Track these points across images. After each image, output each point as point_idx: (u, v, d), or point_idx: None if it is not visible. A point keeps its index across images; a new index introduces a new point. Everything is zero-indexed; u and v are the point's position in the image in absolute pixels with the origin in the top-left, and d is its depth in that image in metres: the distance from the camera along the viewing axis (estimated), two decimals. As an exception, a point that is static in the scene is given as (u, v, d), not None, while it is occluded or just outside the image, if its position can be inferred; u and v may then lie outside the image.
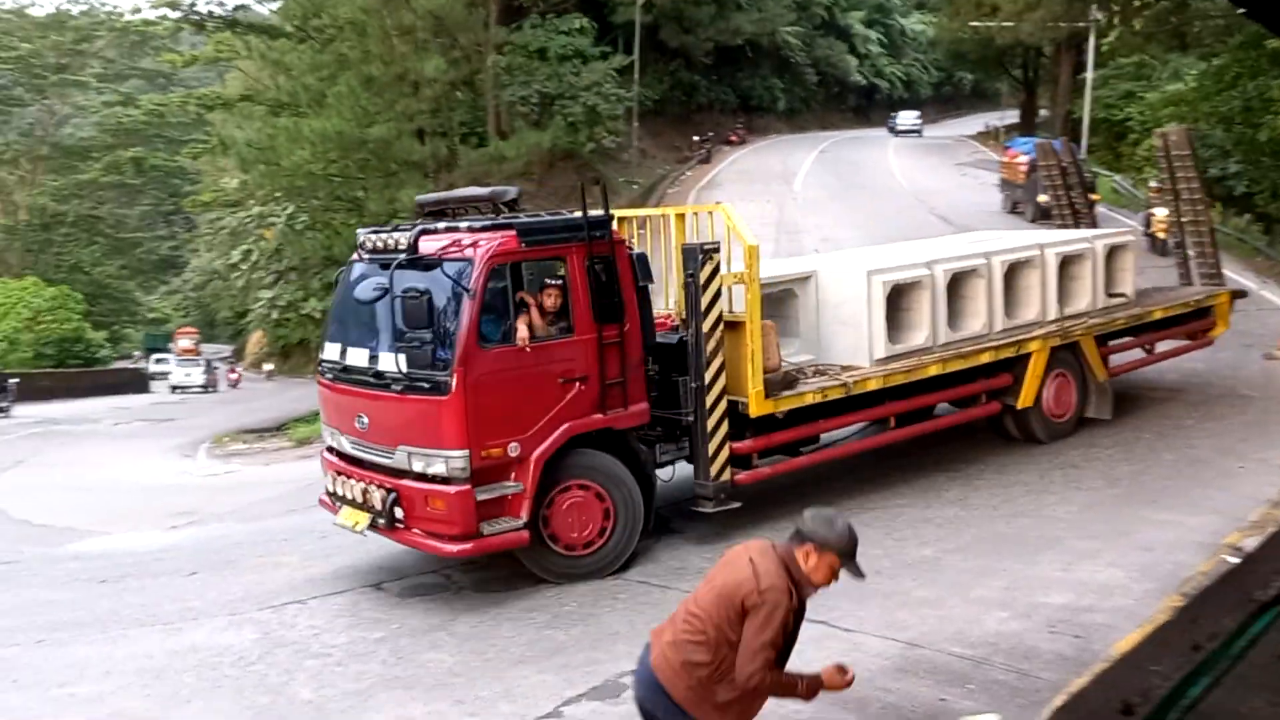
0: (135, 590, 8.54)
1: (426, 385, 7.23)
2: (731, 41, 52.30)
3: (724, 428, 8.07)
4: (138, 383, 45.45)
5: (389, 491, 7.39)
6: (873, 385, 8.91)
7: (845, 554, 3.76)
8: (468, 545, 7.19)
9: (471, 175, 33.45)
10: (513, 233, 7.55)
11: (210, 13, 39.11)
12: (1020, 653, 5.81)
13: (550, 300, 7.66)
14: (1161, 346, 11.79)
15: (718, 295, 7.97)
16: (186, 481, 17.67)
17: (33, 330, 40.24)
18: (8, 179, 52.63)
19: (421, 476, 7.28)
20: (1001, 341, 9.86)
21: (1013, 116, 55.52)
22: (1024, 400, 10.05)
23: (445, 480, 7.19)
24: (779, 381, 8.33)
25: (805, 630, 6.27)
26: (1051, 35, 40.26)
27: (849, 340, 9.16)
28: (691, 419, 8.10)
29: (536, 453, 7.36)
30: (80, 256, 55.83)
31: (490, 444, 7.23)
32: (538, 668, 6.15)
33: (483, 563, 8.26)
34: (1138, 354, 11.62)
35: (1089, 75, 35.00)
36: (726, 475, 8.11)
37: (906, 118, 59.10)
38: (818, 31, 64.59)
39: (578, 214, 7.79)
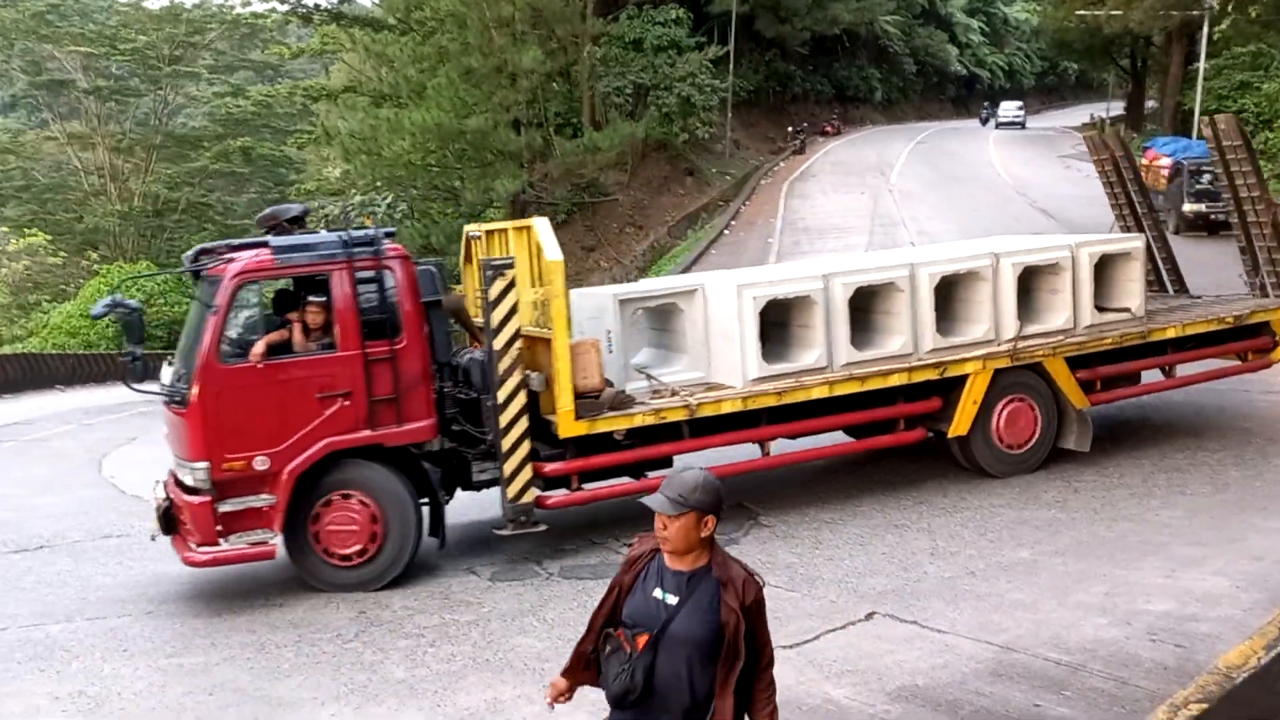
0: (237, 568, 8.82)
1: (178, 400, 7.57)
2: (828, 31, 51.69)
3: (524, 448, 7.90)
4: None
5: (166, 499, 7.80)
6: (728, 408, 8.40)
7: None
8: (205, 556, 7.46)
9: (565, 165, 33.79)
10: (267, 251, 7.75)
11: (317, 5, 40.06)
12: (1119, 660, 5.64)
13: (313, 317, 7.73)
14: (1192, 368, 10.34)
15: (511, 312, 7.83)
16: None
17: (146, 313, 41.88)
18: (123, 167, 54.69)
19: (182, 486, 7.66)
20: (918, 363, 8.92)
21: (1119, 108, 53.75)
22: (957, 428, 9.08)
23: (194, 491, 7.48)
24: (605, 402, 8.09)
25: (895, 629, 6.24)
26: (1162, 23, 38.74)
27: (728, 358, 8.67)
28: (491, 438, 8.03)
29: (290, 467, 7.46)
30: (190, 242, 57.75)
31: (232, 457, 7.41)
32: (625, 656, 6.18)
33: (573, 550, 8.35)
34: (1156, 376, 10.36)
35: (1201, 65, 33.66)
36: (528, 497, 7.96)
37: (1008, 108, 57.57)
38: (917, 20, 63.44)
39: (367, 231, 7.91)
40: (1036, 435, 9.43)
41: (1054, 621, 6.22)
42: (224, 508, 7.47)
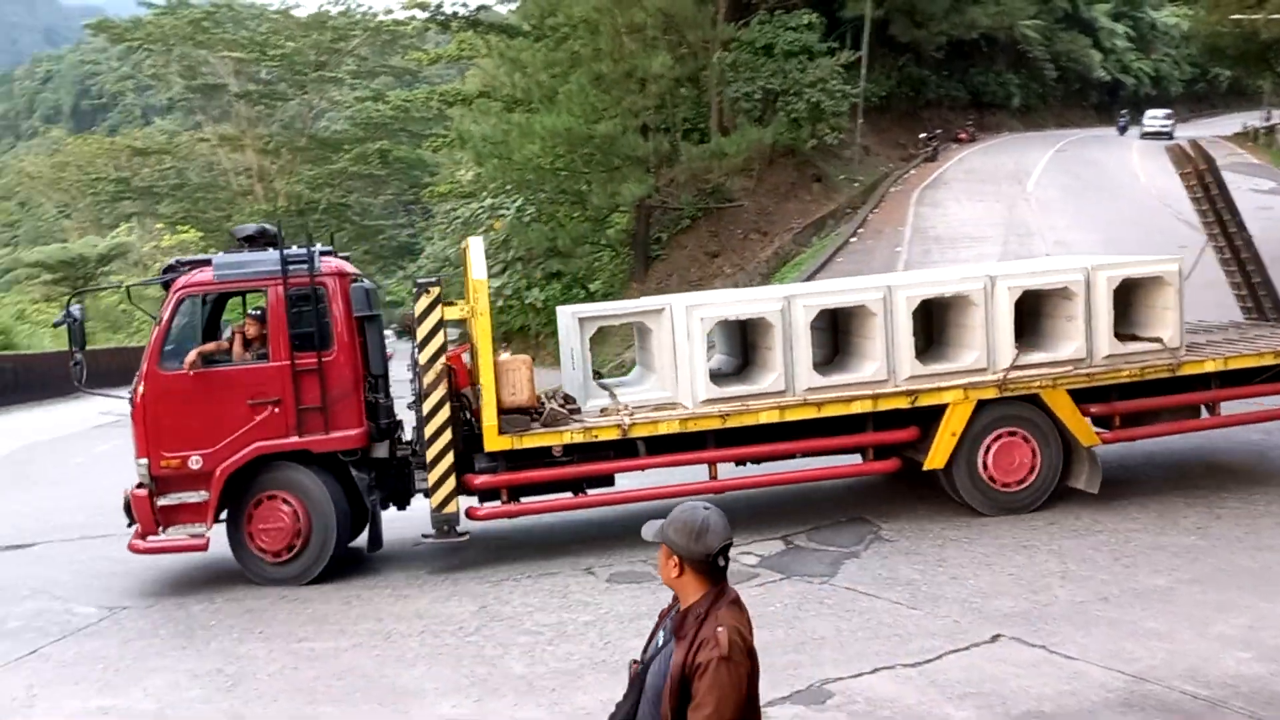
0: (366, 557, 9.14)
1: (130, 401, 8.35)
2: (965, 35, 50.42)
3: (447, 459, 8.15)
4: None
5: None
6: (665, 429, 8.34)
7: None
8: (144, 545, 8.23)
9: (691, 170, 33.84)
10: (208, 269, 8.46)
11: (455, 13, 41.19)
12: (1264, 698, 5.35)
13: (251, 330, 8.42)
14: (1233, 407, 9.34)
15: (437, 328, 8.12)
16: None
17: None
18: (269, 168, 57.22)
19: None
20: (886, 391, 8.58)
21: (1277, 117, 50.92)
22: (933, 460, 8.66)
23: (139, 485, 8.26)
24: (536, 418, 8.29)
25: (1021, 653, 6.06)
26: (1326, 27, 36.62)
27: (684, 379, 8.59)
28: (418, 449, 8.34)
29: (221, 467, 8.11)
30: (330, 242, 60.16)
31: (168, 455, 8.15)
32: (741, 665, 6.16)
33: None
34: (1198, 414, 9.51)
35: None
36: (451, 508, 8.18)
37: (1155, 116, 54.97)
38: (1059, 25, 61.30)
39: (304, 250, 8.46)
40: (1035, 473, 8.79)
41: (1191, 653, 5.94)
42: (162, 501, 8.22)
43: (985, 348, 8.66)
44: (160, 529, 8.24)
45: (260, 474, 8.30)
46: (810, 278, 27.10)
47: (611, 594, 7.67)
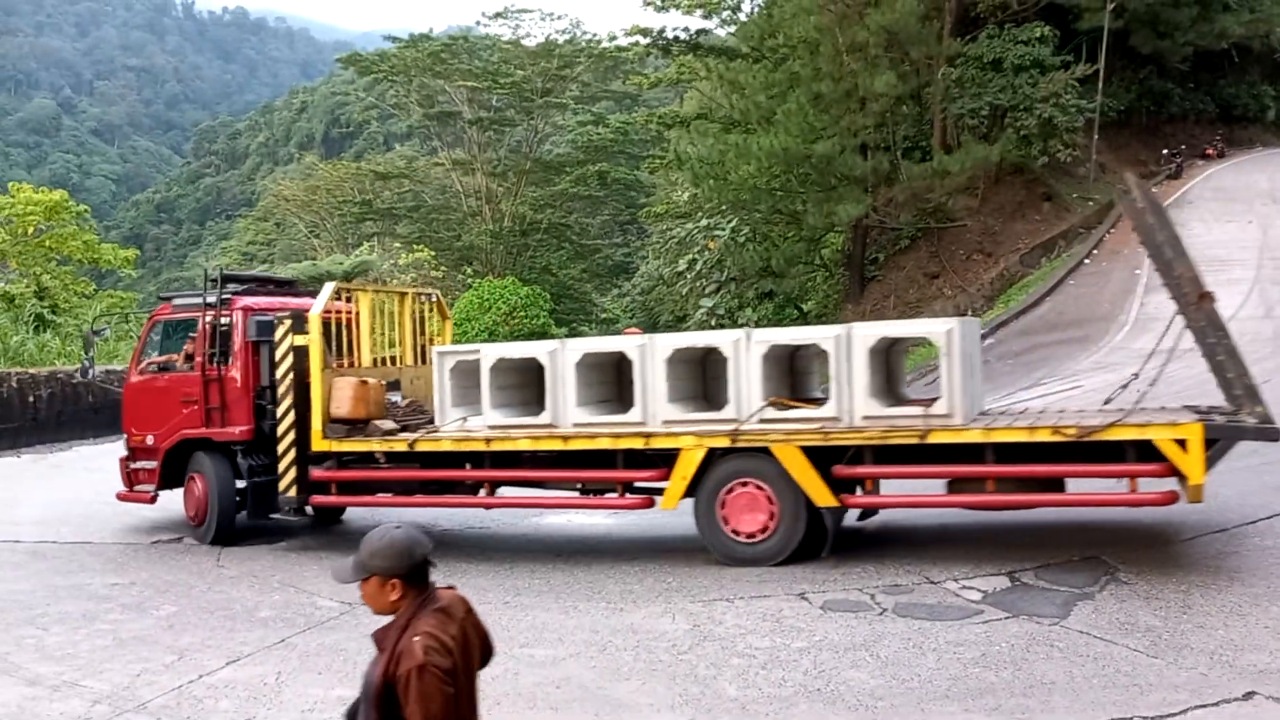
0: (584, 567, 9.38)
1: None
2: (1214, 45, 46.85)
3: (291, 454, 10.30)
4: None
5: None
6: (445, 446, 9.84)
7: None
8: (122, 494, 11.80)
9: (912, 189, 33.03)
10: (169, 302, 12.11)
11: (676, 38, 41.96)
12: None
13: (189, 348, 11.33)
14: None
15: (288, 352, 10.32)
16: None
17: (508, 324, 45.49)
18: (496, 190, 59.95)
19: None
20: (627, 432, 9.18)
21: None
22: (665, 502, 9.13)
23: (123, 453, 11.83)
24: (357, 429, 10.18)
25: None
26: None
27: (484, 408, 9.84)
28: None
29: (162, 445, 11.23)
30: (550, 260, 62.26)
31: (134, 433, 11.58)
32: (964, 705, 5.92)
33: (908, 587, 8.11)
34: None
35: None
36: (292, 492, 10.35)
37: None
38: (1325, 30, 56.08)
39: (221, 292, 11.24)
40: (773, 527, 8.79)
41: None
42: (133, 465, 11.66)
43: (736, 400, 8.95)
44: (130, 485, 11.67)
45: (189, 455, 11.21)
46: (1039, 301, 25.90)
47: (826, 621, 7.53)
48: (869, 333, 8.81)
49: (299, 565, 10.14)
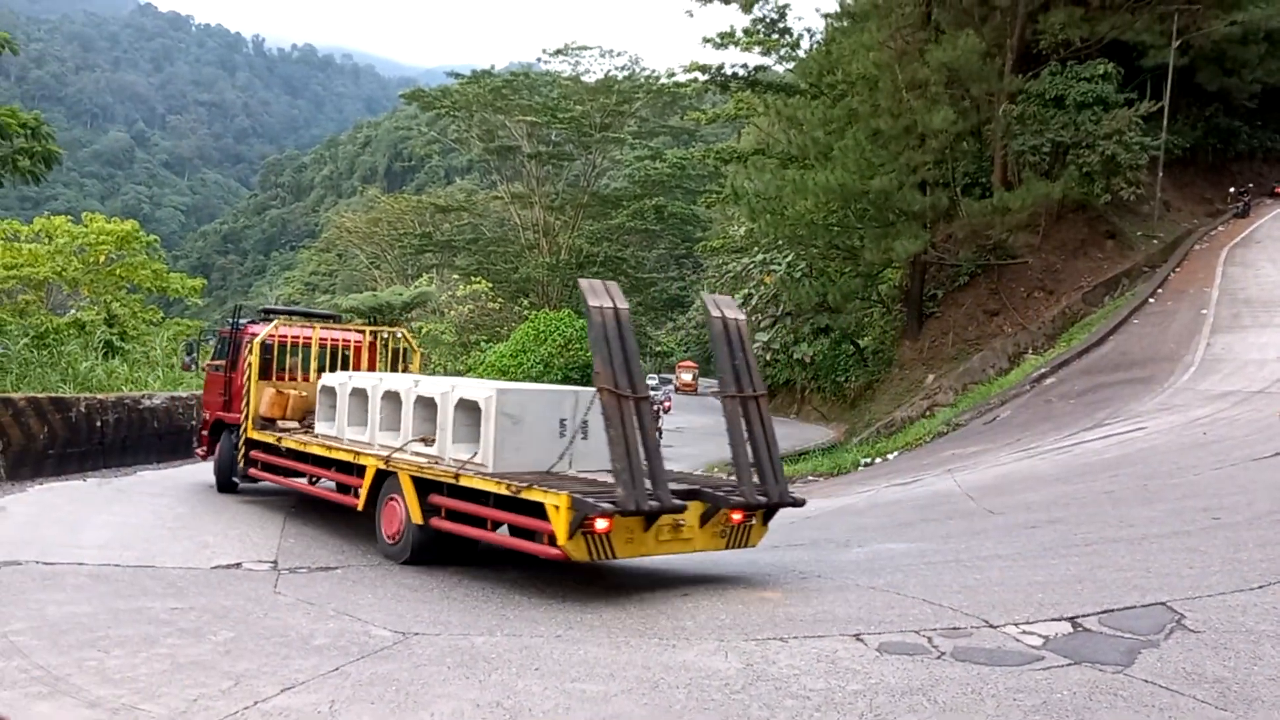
0: (637, 602, 9.30)
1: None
2: (1284, 82, 46.06)
3: (243, 438, 14.36)
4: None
5: None
6: (287, 444, 13.44)
7: None
8: (200, 452, 16.55)
9: (971, 226, 32.77)
10: (229, 326, 15.93)
11: (735, 74, 42.23)
12: None
13: (230, 354, 15.59)
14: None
15: (248, 366, 14.45)
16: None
17: (563, 356, 45.74)
18: (554, 223, 60.60)
19: None
20: (342, 448, 12.28)
21: None
22: (360, 505, 11.68)
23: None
24: (271, 426, 14.20)
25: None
26: None
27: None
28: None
29: (208, 420, 15.95)
30: (606, 293, 62.73)
31: (205, 411, 16.17)
32: (1024, 754, 5.76)
33: (967, 630, 7.94)
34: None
35: None
36: (241, 465, 14.47)
37: None
38: (1402, 66, 54.81)
39: (238, 320, 16.06)
40: (401, 533, 10.99)
41: None
42: (204, 433, 16.11)
43: (404, 433, 11.36)
44: (203, 450, 16.13)
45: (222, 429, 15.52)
46: (1102, 340, 25.46)
47: (882, 664, 7.39)
48: (452, 394, 10.75)
49: (354, 594, 10.21)
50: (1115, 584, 8.96)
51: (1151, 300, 29.57)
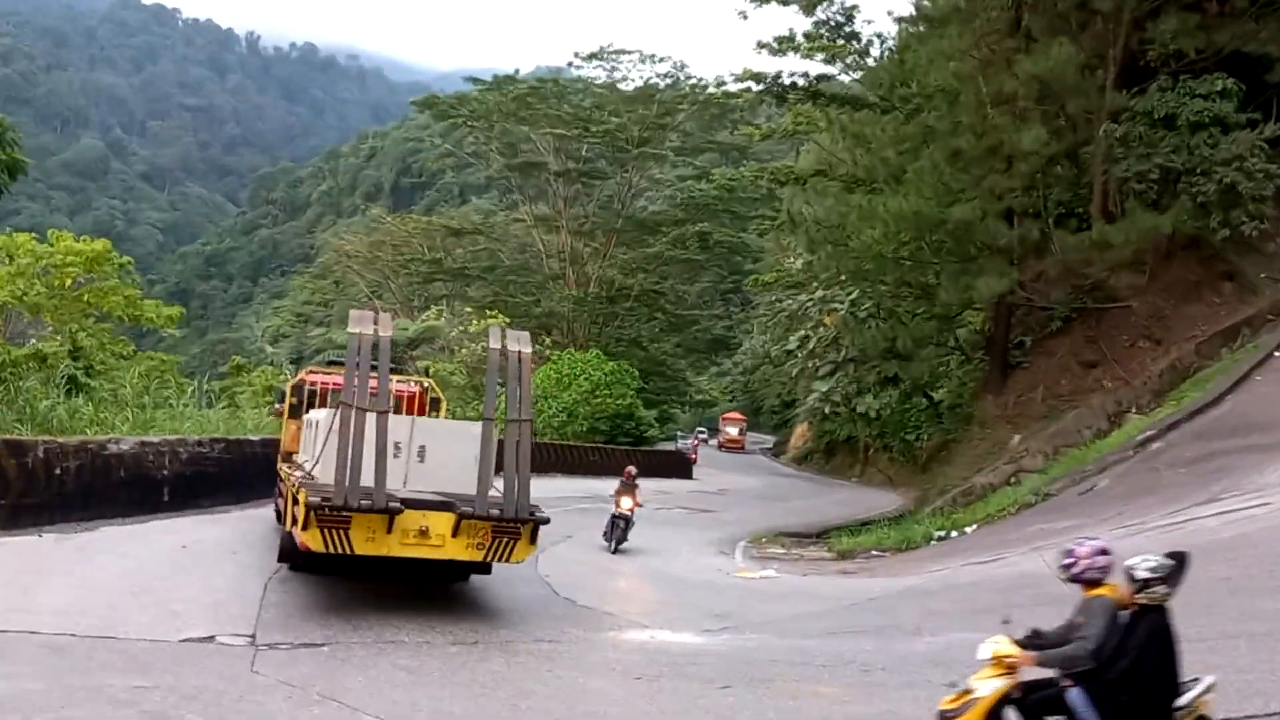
0: (669, 693, 9.26)
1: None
2: None
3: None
4: (683, 466, 49.04)
5: None
6: (282, 472, 15.75)
7: None
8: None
9: (1065, 263, 32.61)
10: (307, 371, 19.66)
11: (793, 84, 42.38)
12: None
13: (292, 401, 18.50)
14: None
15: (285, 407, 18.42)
16: (723, 581, 18.85)
17: (590, 404, 45.76)
18: (583, 250, 60.84)
19: None
20: (288, 472, 14.86)
21: None
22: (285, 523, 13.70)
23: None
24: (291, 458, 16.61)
25: None
26: None
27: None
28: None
29: (282, 452, 18.12)
30: (640, 331, 62.63)
31: (283, 446, 18.28)
32: None
33: None
34: None
35: None
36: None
37: None
38: None
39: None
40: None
41: None
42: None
43: (311, 457, 14.10)
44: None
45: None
46: (1219, 399, 25.16)
47: None
48: (320, 417, 14.70)
49: (341, 675, 10.21)
50: (1234, 688, 8.78)
51: (1277, 354, 29.19)
